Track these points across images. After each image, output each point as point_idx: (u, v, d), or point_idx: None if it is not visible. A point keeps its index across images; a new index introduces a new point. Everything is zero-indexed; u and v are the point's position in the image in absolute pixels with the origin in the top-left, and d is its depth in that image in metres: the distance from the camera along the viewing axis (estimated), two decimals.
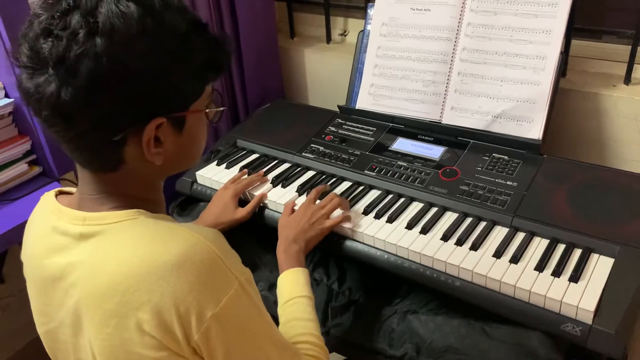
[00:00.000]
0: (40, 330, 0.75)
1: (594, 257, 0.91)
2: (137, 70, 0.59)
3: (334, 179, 1.19)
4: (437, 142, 1.22)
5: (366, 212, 1.07)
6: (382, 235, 1.00)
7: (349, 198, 1.11)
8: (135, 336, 0.61)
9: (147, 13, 0.60)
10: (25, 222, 1.19)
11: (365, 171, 1.17)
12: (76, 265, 0.65)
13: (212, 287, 0.61)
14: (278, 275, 0.96)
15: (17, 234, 1.21)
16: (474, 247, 0.95)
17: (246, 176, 1.21)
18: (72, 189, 0.74)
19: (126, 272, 0.60)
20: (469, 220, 1.02)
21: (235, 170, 1.27)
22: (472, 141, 1.19)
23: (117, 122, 0.61)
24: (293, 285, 0.90)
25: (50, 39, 0.57)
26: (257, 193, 1.16)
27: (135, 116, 0.62)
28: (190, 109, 0.66)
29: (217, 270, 0.62)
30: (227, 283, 0.62)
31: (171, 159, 0.68)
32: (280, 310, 0.87)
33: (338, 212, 1.06)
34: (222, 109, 0.72)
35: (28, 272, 0.75)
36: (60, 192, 0.75)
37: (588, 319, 0.81)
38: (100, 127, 0.60)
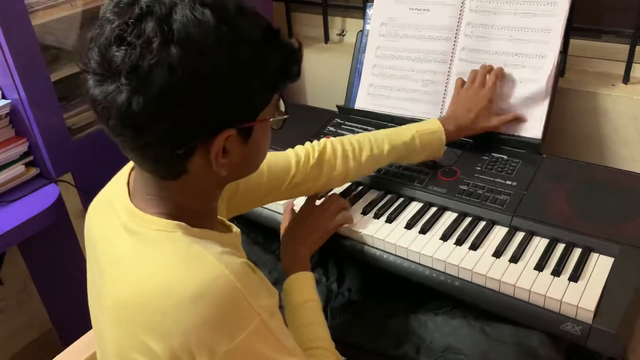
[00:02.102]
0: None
1: (594, 256, 0.90)
2: (211, 81, 0.57)
3: None
4: None
5: (365, 212, 1.07)
6: (381, 235, 1.00)
7: (348, 198, 1.10)
8: (142, 348, 0.60)
9: (222, 21, 0.57)
10: (22, 224, 1.20)
11: None
12: (110, 253, 0.66)
13: (229, 323, 0.59)
14: (277, 275, 0.96)
15: (14, 236, 1.21)
16: (474, 246, 0.94)
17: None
18: None
19: (146, 288, 0.60)
20: (468, 219, 1.02)
21: None
22: (471, 141, 1.19)
23: (187, 134, 0.59)
24: (300, 289, 0.90)
25: (123, 47, 0.55)
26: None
27: (206, 128, 0.60)
28: (258, 119, 0.64)
29: (237, 308, 0.60)
30: (247, 320, 0.60)
31: (235, 169, 0.66)
32: (288, 315, 0.87)
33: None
34: (286, 117, 0.69)
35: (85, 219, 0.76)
36: None
37: (588, 318, 0.80)
38: (169, 138, 0.59)
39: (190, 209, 0.67)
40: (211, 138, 0.60)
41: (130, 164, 0.74)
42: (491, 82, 1.14)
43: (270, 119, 0.67)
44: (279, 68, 0.63)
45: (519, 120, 1.14)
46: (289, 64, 0.64)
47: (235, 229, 0.77)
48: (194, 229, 0.65)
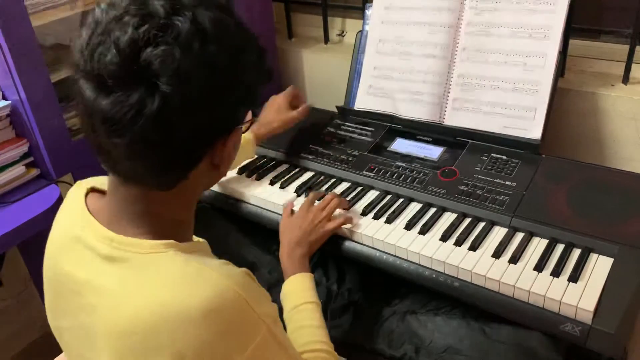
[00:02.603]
0: (49, 322, 0.74)
1: (593, 257, 0.90)
2: (240, 79, 0.60)
3: (333, 180, 1.19)
4: (435, 142, 1.21)
5: (365, 212, 1.07)
6: (380, 235, 1.00)
7: (348, 199, 1.11)
8: None
9: (237, 25, 0.61)
10: (23, 225, 1.20)
11: (364, 172, 1.17)
12: (98, 288, 0.63)
13: (239, 336, 0.59)
14: (277, 276, 0.96)
15: (14, 237, 1.21)
16: (473, 247, 0.94)
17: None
18: (104, 185, 0.70)
19: (149, 311, 0.58)
20: (467, 220, 1.02)
21: (233, 172, 1.26)
22: (470, 141, 1.19)
23: (213, 133, 0.61)
24: (299, 291, 0.90)
25: (161, 47, 0.54)
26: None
27: (227, 126, 0.62)
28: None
29: (246, 318, 0.60)
30: (255, 330, 0.60)
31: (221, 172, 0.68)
32: (287, 317, 0.87)
33: (338, 212, 1.06)
34: (250, 120, 0.71)
35: (45, 267, 0.72)
36: (93, 189, 0.71)
37: (587, 319, 0.80)
38: (193, 140, 0.59)
39: (176, 221, 0.67)
40: (222, 139, 0.62)
41: (74, 193, 0.71)
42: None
43: (245, 122, 0.69)
44: (267, 72, 0.67)
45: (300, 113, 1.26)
46: (270, 68, 0.68)
47: (196, 238, 0.76)
48: (183, 244, 0.64)
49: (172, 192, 0.64)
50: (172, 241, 0.63)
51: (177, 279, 0.60)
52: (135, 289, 0.60)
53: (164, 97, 0.54)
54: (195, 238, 0.76)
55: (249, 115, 0.69)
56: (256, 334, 0.60)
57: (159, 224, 0.65)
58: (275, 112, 1.24)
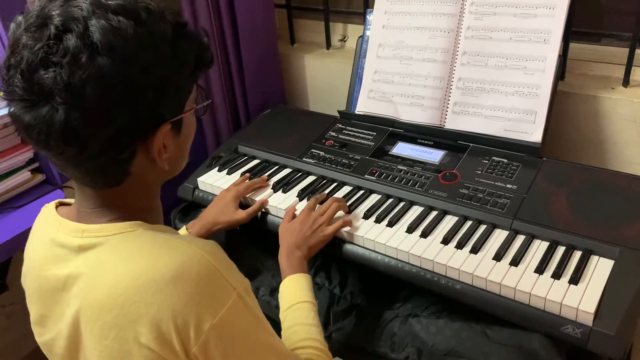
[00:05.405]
0: (37, 340, 0.76)
1: (594, 259, 0.91)
2: (142, 83, 0.60)
3: (335, 184, 1.20)
4: (436, 146, 1.22)
5: (366, 216, 1.07)
6: (382, 239, 1.01)
7: (350, 202, 1.11)
8: (133, 348, 0.61)
9: (138, 24, 0.60)
10: (28, 229, 1.21)
11: (366, 175, 1.18)
12: (77, 277, 0.66)
13: (209, 299, 0.61)
14: (280, 280, 0.97)
15: (20, 241, 1.22)
16: (474, 250, 0.95)
17: (248, 180, 1.22)
18: (72, 200, 0.75)
19: (124, 284, 0.61)
20: (469, 223, 1.02)
21: (236, 176, 1.27)
22: (471, 145, 1.20)
23: (128, 138, 0.62)
24: (296, 290, 0.91)
25: (51, 69, 0.56)
26: (259, 198, 1.17)
27: (144, 128, 0.63)
28: (185, 110, 0.68)
29: (215, 282, 0.62)
30: (225, 294, 0.63)
31: (173, 161, 0.69)
32: (282, 316, 0.88)
33: (338, 215, 1.07)
34: (208, 102, 0.73)
35: (27, 283, 0.75)
36: (61, 203, 0.75)
37: (588, 320, 0.81)
38: (112, 146, 0.61)
39: (139, 208, 0.69)
40: (150, 136, 0.63)
41: (44, 210, 0.75)
42: None
43: (196, 107, 0.71)
44: (196, 58, 0.67)
45: None
46: (202, 53, 0.68)
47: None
48: (151, 225, 0.67)
49: (124, 187, 0.67)
50: (139, 222, 0.67)
51: (147, 250, 0.63)
52: (109, 266, 0.63)
53: (65, 113, 0.57)
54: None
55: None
56: (226, 299, 0.62)
57: (124, 212, 0.68)
58: (219, 211, 1.11)
